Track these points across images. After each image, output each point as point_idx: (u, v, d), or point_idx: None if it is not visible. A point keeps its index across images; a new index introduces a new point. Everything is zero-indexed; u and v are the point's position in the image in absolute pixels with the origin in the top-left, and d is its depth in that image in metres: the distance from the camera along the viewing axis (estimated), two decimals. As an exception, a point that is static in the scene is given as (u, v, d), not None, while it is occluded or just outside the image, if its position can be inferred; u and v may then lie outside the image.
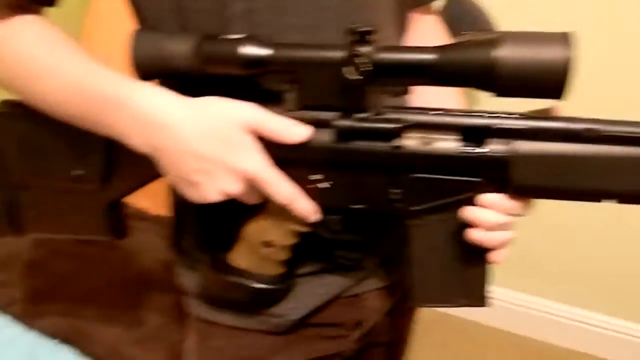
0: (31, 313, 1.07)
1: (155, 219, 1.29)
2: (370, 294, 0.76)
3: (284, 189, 0.55)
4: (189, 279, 0.75)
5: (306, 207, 0.57)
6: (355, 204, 0.59)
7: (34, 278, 1.16)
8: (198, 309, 0.75)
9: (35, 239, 1.25)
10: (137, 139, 0.54)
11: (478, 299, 0.60)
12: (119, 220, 0.68)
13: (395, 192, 0.57)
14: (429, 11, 0.76)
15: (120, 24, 1.40)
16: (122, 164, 0.62)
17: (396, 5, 0.67)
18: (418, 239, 0.59)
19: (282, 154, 0.55)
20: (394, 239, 0.75)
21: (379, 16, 0.63)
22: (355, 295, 0.74)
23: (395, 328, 0.86)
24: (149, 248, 1.22)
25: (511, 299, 1.81)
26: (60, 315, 1.06)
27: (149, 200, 1.21)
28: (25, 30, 0.58)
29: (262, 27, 0.58)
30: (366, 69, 0.51)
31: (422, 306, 0.62)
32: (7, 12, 0.58)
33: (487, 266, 0.59)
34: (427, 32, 0.74)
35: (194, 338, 0.78)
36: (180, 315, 1.04)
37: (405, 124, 0.54)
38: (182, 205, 0.74)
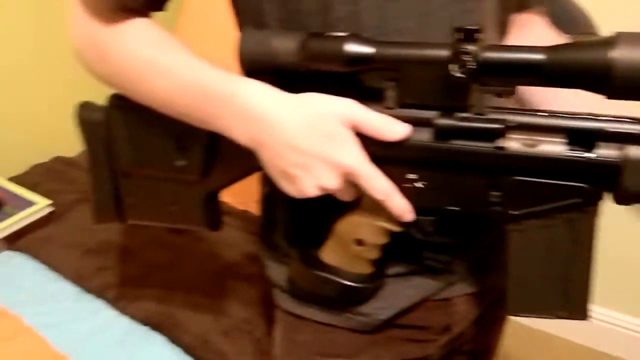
0: (124, 298, 1.12)
1: (240, 214, 1.32)
2: (460, 299, 0.74)
3: (381, 184, 0.55)
4: (277, 272, 0.77)
5: (402, 205, 0.57)
6: (450, 206, 0.58)
7: (127, 265, 1.21)
8: (286, 302, 0.76)
9: (126, 228, 1.31)
10: (241, 133, 0.56)
11: (579, 311, 0.58)
12: (215, 212, 0.71)
13: (495, 195, 0.56)
14: (535, 13, 0.74)
15: (213, 23, 1.45)
16: (222, 157, 0.64)
17: (499, 9, 0.66)
18: (517, 245, 0.57)
19: (378, 151, 0.55)
20: (485, 244, 0.74)
21: (483, 20, 0.62)
22: (445, 300, 0.73)
23: (481, 337, 0.84)
24: (234, 242, 1.25)
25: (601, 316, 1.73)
26: (152, 302, 1.10)
27: (233, 196, 1.24)
28: (135, 32, 0.61)
29: (366, 30, 0.58)
30: (471, 67, 0.50)
31: (517, 315, 0.60)
32: (119, 15, 0.61)
33: (592, 278, 0.56)
34: (533, 35, 0.72)
35: (280, 330, 0.80)
36: (265, 309, 1.07)
37: (509, 125, 0.53)
38: (272, 199, 0.76)
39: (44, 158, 1.69)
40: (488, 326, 0.83)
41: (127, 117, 0.67)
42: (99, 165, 0.71)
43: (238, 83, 0.56)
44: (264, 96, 0.55)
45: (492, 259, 0.75)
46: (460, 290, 0.73)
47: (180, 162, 0.66)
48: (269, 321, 1.03)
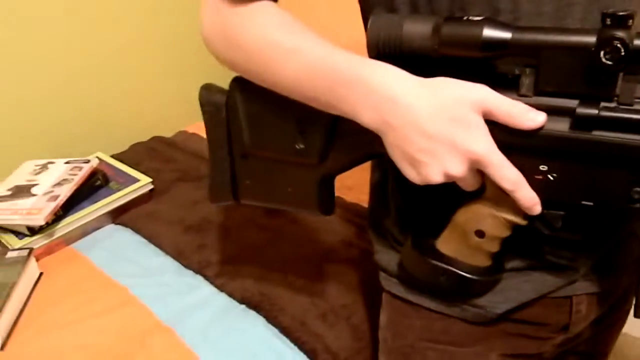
0: (223, 276, 1.14)
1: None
2: (581, 298, 0.71)
3: (511, 174, 0.53)
4: (387, 257, 0.77)
5: (531, 197, 0.55)
6: (584, 200, 0.55)
7: (225, 244, 1.24)
8: (394, 286, 0.76)
9: (223, 207, 1.34)
10: (370, 116, 0.55)
11: None
12: (329, 196, 0.71)
13: (637, 191, 0.52)
14: None
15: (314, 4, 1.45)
16: (341, 141, 0.64)
17: None
18: None
19: (510, 140, 0.53)
20: (611, 242, 0.70)
21: (631, 3, 0.58)
22: (565, 297, 0.70)
23: (598, 339, 0.80)
24: (330, 227, 1.25)
25: None
26: (250, 282, 1.11)
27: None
28: (263, 16, 0.62)
29: (499, 13, 0.56)
30: (621, 54, 0.47)
31: None
32: (247, 0, 0.62)
33: None
34: None
35: (388, 314, 0.79)
36: (365, 296, 1.06)
37: None
38: (384, 186, 0.75)
39: (143, 137, 1.75)
40: (607, 328, 0.80)
41: (248, 100, 0.68)
42: (218, 146, 0.73)
43: (370, 65, 0.56)
44: (397, 78, 0.54)
45: (617, 258, 0.71)
46: (582, 289, 0.70)
47: (300, 146, 0.66)
48: (368, 308, 1.03)
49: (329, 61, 0.58)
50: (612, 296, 0.74)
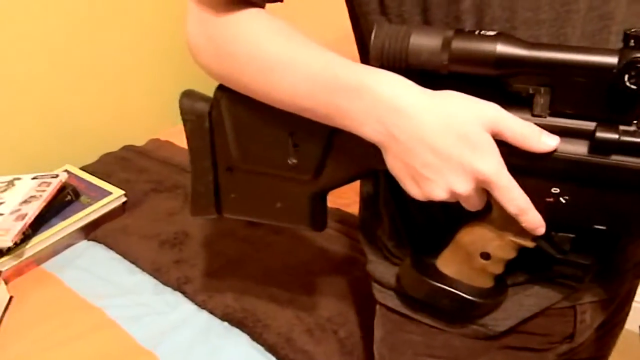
0: (203, 293, 1.10)
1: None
2: (585, 307, 0.70)
3: (517, 198, 0.51)
4: (381, 268, 0.73)
5: (536, 220, 0.52)
6: (596, 224, 0.52)
7: (204, 258, 1.20)
8: (390, 299, 0.73)
9: (201, 219, 1.29)
10: (372, 128, 0.52)
11: None
12: (322, 212, 0.67)
13: None
14: None
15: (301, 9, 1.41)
16: (336, 156, 0.60)
17: None
18: None
19: (520, 162, 0.50)
20: (615, 253, 0.68)
21: (623, 7, 0.55)
22: (570, 307, 0.68)
23: (599, 344, 0.79)
24: (313, 236, 1.22)
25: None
26: (232, 298, 1.07)
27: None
28: (254, 24, 0.57)
29: (493, 23, 0.53)
30: None
31: None
32: (235, 7, 0.57)
33: None
34: None
35: (383, 328, 0.77)
36: (351, 307, 1.03)
37: None
38: (376, 198, 0.72)
39: (114, 147, 1.69)
40: (608, 332, 0.78)
41: (236, 111, 0.64)
42: (201, 157, 0.68)
43: (376, 74, 0.52)
44: (405, 89, 0.51)
45: (620, 264, 0.69)
46: (586, 298, 0.68)
47: (293, 161, 0.62)
48: (357, 317, 1.00)
49: (329, 70, 0.54)
50: (614, 302, 0.73)
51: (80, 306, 1.10)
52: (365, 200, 0.76)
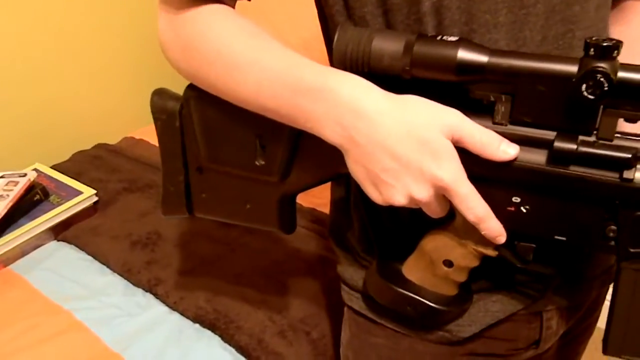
0: (175, 294, 1.08)
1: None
2: (551, 313, 0.69)
3: (477, 207, 0.50)
4: (350, 270, 0.73)
5: (496, 229, 0.51)
6: (557, 235, 0.52)
7: (176, 259, 1.18)
8: (357, 302, 0.73)
9: (175, 219, 1.27)
10: (333, 130, 0.51)
11: None
12: (290, 214, 0.66)
13: (612, 229, 0.50)
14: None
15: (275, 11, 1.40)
16: (303, 159, 0.59)
17: None
18: (627, 284, 0.52)
19: (479, 169, 0.50)
20: (580, 262, 0.68)
21: (589, 11, 0.55)
22: (536, 314, 0.68)
23: (565, 351, 0.79)
24: (286, 236, 1.20)
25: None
26: (204, 300, 1.06)
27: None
28: (221, 22, 0.56)
29: (451, 26, 0.53)
30: (604, 89, 0.44)
31: (615, 356, 0.55)
32: (201, 4, 0.56)
33: None
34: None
35: (350, 330, 0.76)
36: (324, 308, 1.02)
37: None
38: (346, 202, 0.72)
39: (86, 145, 1.66)
40: (573, 341, 0.78)
41: (204, 111, 0.63)
42: (171, 157, 0.67)
43: (339, 76, 0.51)
44: (365, 92, 0.50)
45: (587, 271, 0.69)
46: (552, 305, 0.68)
47: (260, 162, 0.61)
48: (329, 318, 0.99)
49: (293, 70, 0.53)
50: (581, 309, 0.73)
51: (48, 309, 1.07)
52: (336, 203, 0.76)
